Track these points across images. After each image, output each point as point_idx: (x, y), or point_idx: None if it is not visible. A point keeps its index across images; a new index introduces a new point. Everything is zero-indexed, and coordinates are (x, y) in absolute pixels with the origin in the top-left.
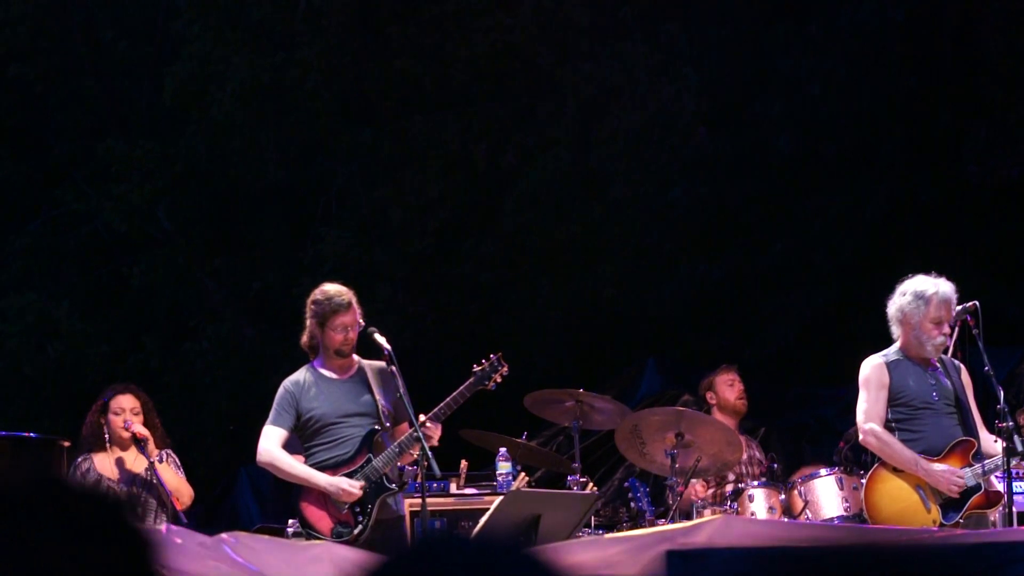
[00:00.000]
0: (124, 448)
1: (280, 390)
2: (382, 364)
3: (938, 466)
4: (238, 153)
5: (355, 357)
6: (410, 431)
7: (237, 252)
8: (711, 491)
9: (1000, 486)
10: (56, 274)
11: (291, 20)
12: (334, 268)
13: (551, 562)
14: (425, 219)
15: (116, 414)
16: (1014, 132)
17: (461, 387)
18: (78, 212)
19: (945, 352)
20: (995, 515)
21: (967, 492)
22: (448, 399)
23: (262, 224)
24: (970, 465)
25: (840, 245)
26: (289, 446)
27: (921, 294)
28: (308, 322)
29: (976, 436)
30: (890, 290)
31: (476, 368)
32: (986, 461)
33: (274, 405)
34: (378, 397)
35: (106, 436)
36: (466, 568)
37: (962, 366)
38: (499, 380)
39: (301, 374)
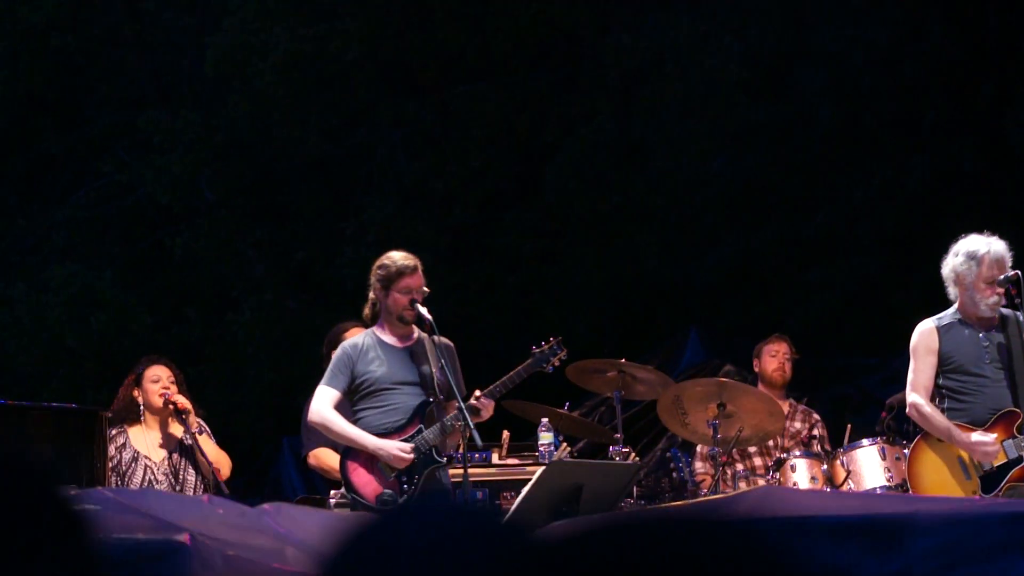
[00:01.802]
0: (160, 419)
1: (338, 350)
2: (442, 338)
3: (971, 436)
4: (280, 124)
5: (415, 328)
6: (463, 404)
7: (279, 223)
8: (740, 463)
9: None
10: (99, 245)
11: None
12: (376, 239)
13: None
14: (467, 190)
15: (153, 382)
16: None
17: (519, 367)
18: (120, 183)
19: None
20: None
21: (1008, 464)
22: (504, 378)
23: (304, 195)
24: (1014, 437)
25: (883, 215)
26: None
27: (973, 254)
28: (372, 290)
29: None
30: (933, 259)
31: (535, 350)
32: None
33: (330, 366)
34: (434, 369)
35: (141, 408)
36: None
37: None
38: (557, 364)
39: (361, 337)
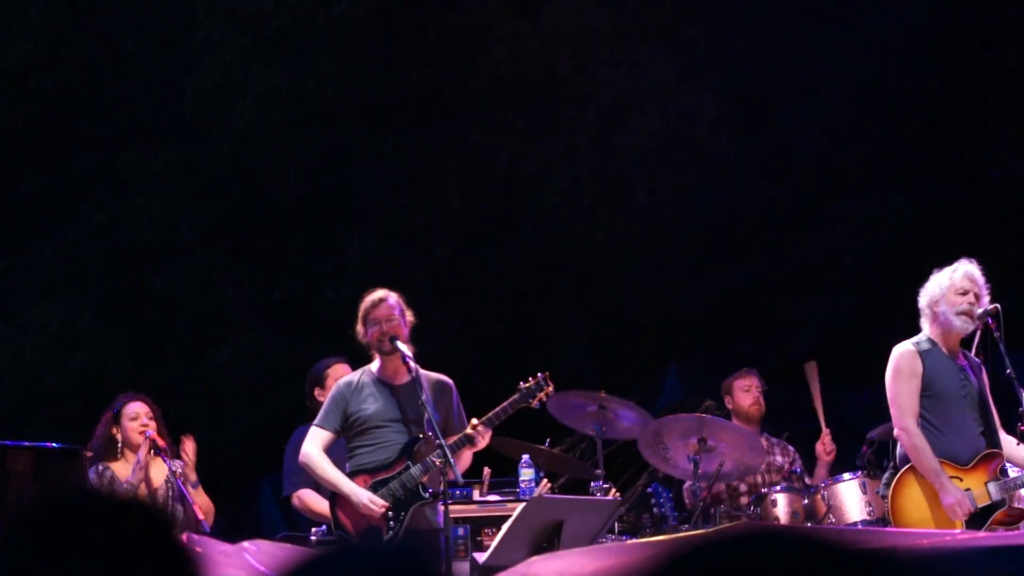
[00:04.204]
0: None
1: (333, 389)
2: (441, 376)
3: (955, 489)
4: (259, 162)
5: (412, 365)
6: (453, 439)
7: (259, 261)
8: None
9: None
10: (79, 285)
11: (311, 30)
12: (356, 276)
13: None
14: (447, 227)
15: (132, 419)
16: None
17: (505, 403)
18: (100, 223)
19: (967, 346)
20: None
21: (992, 507)
22: (491, 413)
23: (284, 233)
24: (996, 479)
25: (863, 249)
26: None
27: (943, 274)
28: (358, 334)
29: (998, 443)
30: (914, 293)
31: (522, 385)
32: (1014, 477)
33: (324, 405)
34: (427, 407)
35: (119, 445)
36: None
37: (982, 365)
38: (544, 399)
39: (356, 375)
